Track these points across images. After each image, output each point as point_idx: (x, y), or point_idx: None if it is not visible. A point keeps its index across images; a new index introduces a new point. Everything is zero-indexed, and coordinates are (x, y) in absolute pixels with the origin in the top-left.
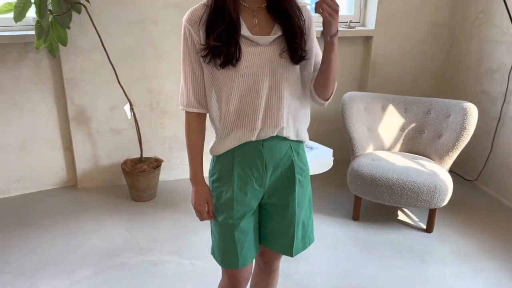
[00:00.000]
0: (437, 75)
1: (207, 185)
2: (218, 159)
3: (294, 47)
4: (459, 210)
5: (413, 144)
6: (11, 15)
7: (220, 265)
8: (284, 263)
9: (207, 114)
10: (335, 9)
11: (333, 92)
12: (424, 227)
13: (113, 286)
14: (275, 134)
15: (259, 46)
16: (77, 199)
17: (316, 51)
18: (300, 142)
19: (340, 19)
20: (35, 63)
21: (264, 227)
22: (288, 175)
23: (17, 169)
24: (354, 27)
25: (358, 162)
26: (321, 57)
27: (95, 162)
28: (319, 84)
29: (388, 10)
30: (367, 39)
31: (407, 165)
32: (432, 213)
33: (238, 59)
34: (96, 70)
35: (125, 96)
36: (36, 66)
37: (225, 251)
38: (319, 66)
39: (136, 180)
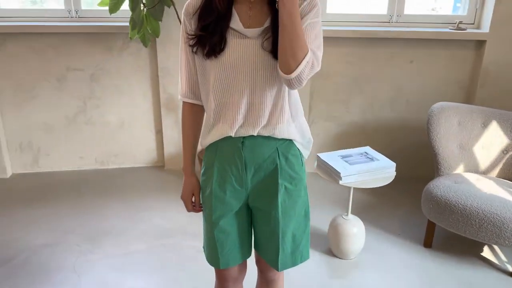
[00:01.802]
0: None
1: (195, 176)
2: (206, 152)
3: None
4: None
5: None
6: None
7: (207, 261)
8: (343, 281)
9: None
10: None
11: (299, 66)
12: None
13: (158, 263)
14: (255, 134)
15: (247, 39)
16: (160, 179)
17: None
18: (291, 146)
19: (446, 19)
20: (136, 52)
21: (254, 232)
22: (271, 180)
23: (116, 145)
24: (464, 29)
25: (437, 182)
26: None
27: (180, 147)
28: (279, 54)
29: (507, 10)
30: (479, 44)
31: (495, 193)
32: None
33: (221, 50)
34: None
35: None
36: (137, 54)
37: (209, 248)
38: None
39: None
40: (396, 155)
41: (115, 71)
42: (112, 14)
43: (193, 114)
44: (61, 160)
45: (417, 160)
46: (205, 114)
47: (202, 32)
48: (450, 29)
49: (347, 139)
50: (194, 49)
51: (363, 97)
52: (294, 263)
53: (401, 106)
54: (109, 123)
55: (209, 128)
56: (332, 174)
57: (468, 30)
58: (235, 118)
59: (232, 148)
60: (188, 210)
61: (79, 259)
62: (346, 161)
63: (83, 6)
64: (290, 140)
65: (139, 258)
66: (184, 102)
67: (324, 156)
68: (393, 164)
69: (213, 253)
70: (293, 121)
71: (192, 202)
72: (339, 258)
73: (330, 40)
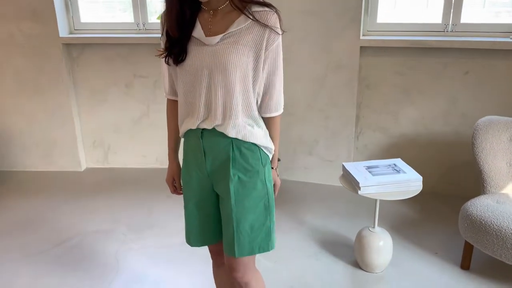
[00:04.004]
0: None
1: (176, 162)
2: (183, 141)
3: None
4: None
5: None
6: None
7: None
8: None
9: None
10: None
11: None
12: None
13: (190, 257)
14: (210, 128)
15: (205, 46)
16: None
17: (266, 69)
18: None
19: (506, 28)
20: None
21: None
22: (225, 169)
23: None
24: None
25: (477, 201)
26: (269, 80)
27: None
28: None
29: None
30: None
31: None
32: None
33: (184, 59)
34: None
35: None
36: None
37: (185, 227)
38: (267, 86)
39: None
40: (449, 171)
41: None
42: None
43: (175, 109)
44: (127, 158)
45: (471, 178)
46: None
47: (167, 45)
48: (511, 38)
49: (395, 151)
50: (166, 60)
51: (414, 109)
52: (251, 252)
53: (456, 119)
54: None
55: (181, 122)
56: (353, 184)
57: None
58: (197, 115)
59: (195, 139)
60: (171, 192)
61: (121, 247)
62: (369, 172)
63: (150, 20)
64: None
65: (174, 251)
66: (167, 99)
67: (349, 165)
68: (420, 178)
69: (186, 232)
70: (249, 125)
71: (175, 185)
72: (364, 270)
73: (379, 50)
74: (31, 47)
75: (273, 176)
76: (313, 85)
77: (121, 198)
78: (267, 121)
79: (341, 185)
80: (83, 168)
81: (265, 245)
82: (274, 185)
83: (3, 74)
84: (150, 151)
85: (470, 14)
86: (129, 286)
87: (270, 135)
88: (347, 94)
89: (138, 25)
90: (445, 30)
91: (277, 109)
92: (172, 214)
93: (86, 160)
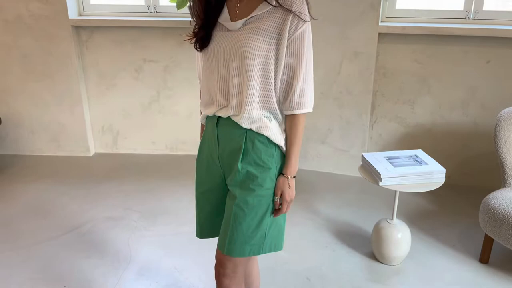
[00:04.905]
0: None
1: None
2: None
3: None
4: None
5: None
6: None
7: None
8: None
9: None
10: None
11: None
12: None
13: (202, 245)
14: (226, 117)
15: (227, 31)
16: None
17: (287, 59)
18: (261, 134)
19: None
20: None
21: None
22: (235, 160)
23: (184, 133)
24: None
25: (498, 194)
26: (291, 72)
27: None
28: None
29: None
30: None
31: None
32: None
33: (207, 45)
34: None
35: None
36: None
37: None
38: (290, 78)
39: None
40: (466, 162)
41: (187, 64)
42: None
43: None
44: (136, 144)
45: (490, 170)
46: None
47: (195, 29)
48: None
49: (411, 141)
50: (194, 45)
51: (431, 98)
52: (240, 254)
53: (475, 110)
54: (178, 113)
55: (202, 108)
56: (373, 175)
57: None
58: (215, 102)
59: (211, 126)
60: None
61: (133, 234)
62: (390, 163)
63: (161, 2)
64: None
65: (186, 239)
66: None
67: (369, 156)
68: (443, 170)
69: (196, 222)
70: (266, 118)
71: None
72: (381, 263)
73: (397, 37)
74: (39, 29)
75: (280, 185)
76: (328, 72)
77: (132, 184)
78: (287, 120)
79: (354, 175)
80: (92, 153)
81: (257, 249)
82: (282, 196)
83: (11, 56)
84: (160, 137)
85: (493, 1)
86: (142, 274)
87: (287, 135)
88: (362, 82)
89: (149, 8)
90: (467, 18)
91: (299, 106)
92: (183, 202)
93: (95, 145)
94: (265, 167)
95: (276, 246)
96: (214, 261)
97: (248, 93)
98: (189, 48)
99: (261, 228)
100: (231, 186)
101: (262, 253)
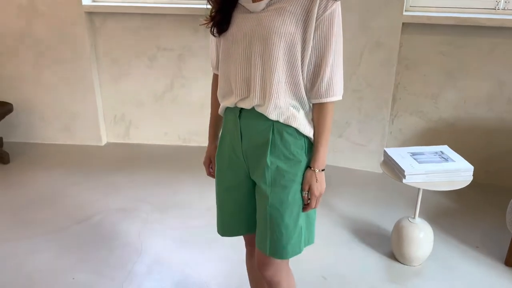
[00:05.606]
0: None
1: (215, 143)
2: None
3: None
4: None
5: None
6: None
7: None
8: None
9: None
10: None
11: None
12: None
13: (212, 239)
14: (249, 108)
15: (249, 13)
16: None
17: (315, 42)
18: (290, 125)
19: None
20: None
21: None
22: (262, 155)
23: (197, 124)
24: None
25: None
26: (320, 57)
27: None
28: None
29: None
30: None
31: None
32: None
33: (227, 28)
34: None
35: None
36: None
37: (217, 214)
38: (318, 63)
39: None
40: (491, 160)
41: (201, 53)
42: None
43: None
44: (149, 134)
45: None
46: None
47: (212, 13)
48: None
49: (433, 137)
50: (211, 30)
51: (456, 92)
52: (283, 255)
53: (502, 105)
54: (192, 103)
55: (220, 99)
56: (396, 171)
57: None
58: (236, 92)
59: (232, 118)
60: (207, 175)
61: (144, 227)
62: (415, 159)
63: None
64: None
65: (199, 235)
66: (214, 74)
67: (392, 151)
68: (471, 167)
69: (217, 220)
70: (293, 107)
71: (211, 168)
72: (401, 263)
73: (422, 27)
74: (52, 15)
75: (308, 179)
76: (347, 63)
77: (144, 175)
78: (315, 108)
79: (371, 170)
80: (103, 142)
81: (298, 248)
82: (310, 191)
83: (23, 43)
84: (172, 128)
85: None
86: (153, 268)
87: (314, 126)
88: (384, 74)
89: None
90: (496, 8)
91: (328, 94)
92: (196, 195)
93: (107, 134)
94: (295, 160)
95: (309, 240)
96: (227, 258)
97: (273, 81)
98: (204, 36)
99: (298, 225)
100: (261, 184)
101: (302, 251)
